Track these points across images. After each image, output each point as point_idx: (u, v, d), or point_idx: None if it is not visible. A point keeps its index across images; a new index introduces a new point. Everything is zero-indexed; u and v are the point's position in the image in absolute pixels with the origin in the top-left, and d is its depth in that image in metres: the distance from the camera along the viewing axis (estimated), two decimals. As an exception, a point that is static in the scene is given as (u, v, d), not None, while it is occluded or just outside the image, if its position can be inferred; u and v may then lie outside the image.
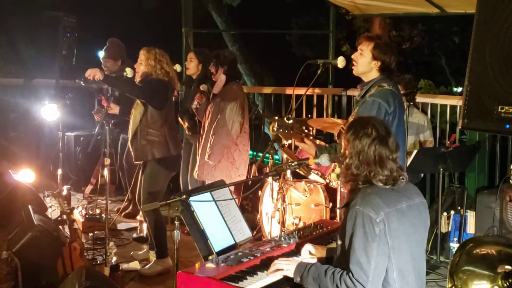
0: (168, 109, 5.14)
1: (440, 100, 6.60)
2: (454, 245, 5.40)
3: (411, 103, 5.51)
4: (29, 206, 5.18)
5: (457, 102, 6.02)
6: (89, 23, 10.31)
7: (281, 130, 3.98)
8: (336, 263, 2.82)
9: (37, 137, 8.49)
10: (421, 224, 2.88)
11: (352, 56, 4.05)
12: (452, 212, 5.56)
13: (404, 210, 2.77)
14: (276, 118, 4.49)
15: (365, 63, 3.97)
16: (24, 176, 6.85)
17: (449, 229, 5.53)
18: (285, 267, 2.85)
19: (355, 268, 2.64)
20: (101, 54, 6.89)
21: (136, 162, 5.26)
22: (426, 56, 16.74)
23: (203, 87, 5.86)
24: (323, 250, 3.12)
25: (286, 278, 2.85)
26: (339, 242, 2.79)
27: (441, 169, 5.29)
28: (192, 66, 6.21)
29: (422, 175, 5.80)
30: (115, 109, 6.09)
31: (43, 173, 7.67)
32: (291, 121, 3.93)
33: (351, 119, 4.03)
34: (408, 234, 2.77)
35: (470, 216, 5.50)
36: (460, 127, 4.36)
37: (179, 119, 6.18)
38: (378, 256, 2.64)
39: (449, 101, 6.40)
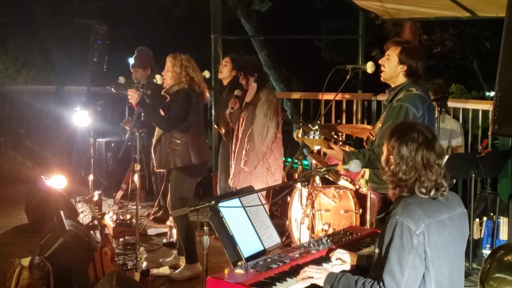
0: (193, 116, 5.08)
1: (472, 105, 6.51)
2: (487, 252, 5.31)
3: (443, 109, 5.44)
4: (61, 212, 5.25)
5: (489, 107, 5.91)
6: (119, 30, 10.42)
7: (306, 137, 3.95)
8: (372, 271, 2.80)
9: (69, 143, 8.63)
10: (461, 235, 2.82)
11: (380, 61, 4.03)
12: (485, 218, 5.48)
13: (445, 222, 2.72)
14: (301, 124, 4.45)
15: (391, 67, 3.94)
16: (56, 182, 6.95)
17: (482, 236, 5.45)
18: (315, 275, 2.83)
19: (388, 278, 2.61)
20: (131, 62, 6.95)
21: (158, 170, 5.29)
22: (458, 60, 16.54)
23: (237, 92, 5.85)
24: (354, 256, 3.10)
25: (315, 285, 2.83)
26: (377, 250, 2.76)
27: (473, 175, 5.20)
28: (226, 71, 6.22)
29: (454, 181, 5.72)
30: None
31: (74, 179, 7.78)
32: (316, 127, 3.89)
33: (379, 124, 4.00)
34: (448, 246, 2.72)
35: (503, 222, 5.42)
36: (490, 133, 4.29)
37: (215, 125, 6.17)
38: (412, 268, 2.61)
39: (481, 105, 6.31)
